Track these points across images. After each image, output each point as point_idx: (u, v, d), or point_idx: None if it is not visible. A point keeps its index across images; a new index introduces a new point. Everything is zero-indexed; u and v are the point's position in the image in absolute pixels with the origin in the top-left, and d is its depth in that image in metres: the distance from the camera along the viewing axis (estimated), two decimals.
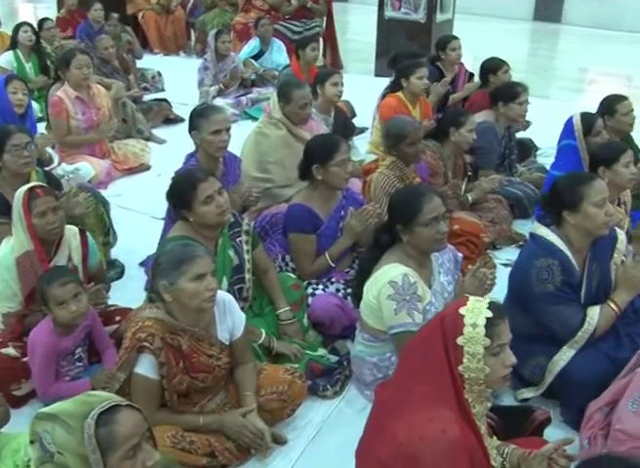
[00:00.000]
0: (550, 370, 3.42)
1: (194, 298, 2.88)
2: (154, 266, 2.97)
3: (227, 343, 3.15)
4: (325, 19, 10.30)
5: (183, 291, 2.87)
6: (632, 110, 5.12)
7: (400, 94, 5.99)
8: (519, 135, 6.19)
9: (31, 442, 1.96)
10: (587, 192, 3.33)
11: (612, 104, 5.12)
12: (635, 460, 1.78)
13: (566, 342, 3.40)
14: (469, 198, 5.08)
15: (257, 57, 8.76)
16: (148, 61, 9.76)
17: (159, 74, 9.16)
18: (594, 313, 3.38)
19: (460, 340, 2.30)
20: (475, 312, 2.32)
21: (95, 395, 2.08)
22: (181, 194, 3.50)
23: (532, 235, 3.55)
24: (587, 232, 3.38)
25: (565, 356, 3.39)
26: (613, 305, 3.40)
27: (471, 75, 7.10)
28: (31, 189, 3.56)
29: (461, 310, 2.34)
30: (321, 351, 3.81)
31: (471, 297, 2.42)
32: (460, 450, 2.23)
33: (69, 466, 1.89)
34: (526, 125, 5.94)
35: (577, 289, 3.41)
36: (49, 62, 8.07)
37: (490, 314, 2.31)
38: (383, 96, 6.25)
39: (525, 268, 3.42)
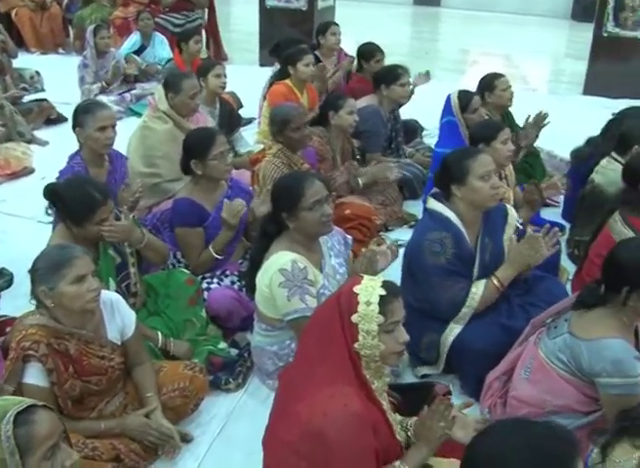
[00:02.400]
0: (443, 346, 3.51)
1: (76, 301, 2.81)
2: (32, 272, 2.87)
3: (119, 343, 3.09)
4: (206, 10, 10.20)
5: (64, 294, 2.79)
6: (510, 86, 5.34)
7: (288, 81, 6.01)
8: (404, 116, 6.29)
9: None
10: (472, 166, 3.43)
11: (490, 81, 5.33)
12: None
13: (450, 318, 3.49)
14: (360, 182, 5.14)
15: (138, 51, 8.61)
16: (25, 61, 9.39)
17: (37, 73, 8.83)
18: (478, 288, 3.47)
19: (354, 318, 2.34)
20: (369, 290, 2.36)
21: (7, 398, 2.06)
22: (77, 213, 3.36)
23: (426, 210, 3.62)
24: (475, 205, 3.48)
25: (452, 332, 3.49)
26: (496, 281, 3.49)
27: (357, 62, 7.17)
28: None
29: (356, 289, 2.38)
30: (222, 345, 3.79)
31: (366, 276, 2.46)
32: (363, 422, 2.27)
33: None
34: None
35: (468, 263, 3.50)
36: None
37: (383, 292, 2.36)
38: (270, 84, 6.25)
39: (418, 241, 3.50)
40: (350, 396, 2.30)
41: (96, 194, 3.38)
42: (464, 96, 4.98)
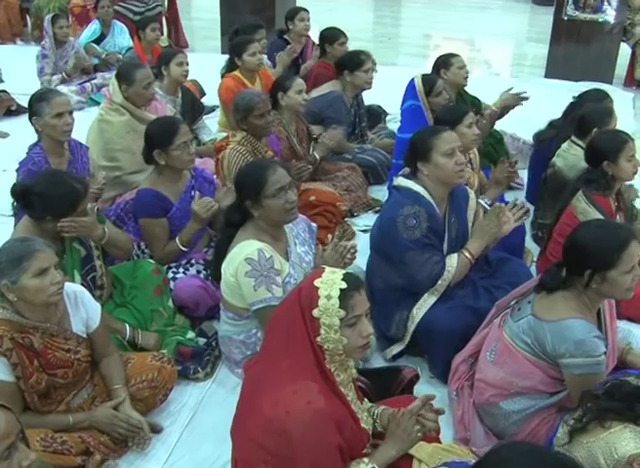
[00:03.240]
0: (412, 319, 3.53)
1: (39, 294, 2.78)
2: None
3: (85, 336, 3.07)
4: None
5: (27, 288, 2.76)
6: (465, 66, 5.46)
7: (237, 72, 5.98)
8: (368, 101, 6.30)
9: None
10: (436, 143, 3.49)
11: (447, 59, 5.45)
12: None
13: (425, 291, 3.52)
14: (317, 156, 5.13)
15: (98, 40, 8.46)
16: None
17: None
18: (453, 261, 3.53)
19: (315, 312, 2.31)
20: (329, 284, 2.32)
21: None
22: (60, 208, 3.32)
23: (395, 187, 3.64)
24: (441, 181, 3.52)
25: (426, 303, 3.52)
26: (467, 254, 3.56)
27: (319, 46, 7.15)
28: None
29: (316, 282, 2.34)
30: (190, 334, 3.78)
31: (327, 269, 2.42)
32: (327, 420, 2.26)
33: None
34: None
35: (440, 237, 3.55)
36: None
37: (344, 285, 2.31)
38: (222, 76, 6.21)
39: (391, 217, 3.51)
40: (313, 392, 2.27)
41: (78, 186, 3.38)
42: (428, 79, 5.01)
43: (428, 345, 3.55)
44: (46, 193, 3.32)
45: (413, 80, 5.03)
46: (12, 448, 1.92)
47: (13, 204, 3.59)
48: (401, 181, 3.61)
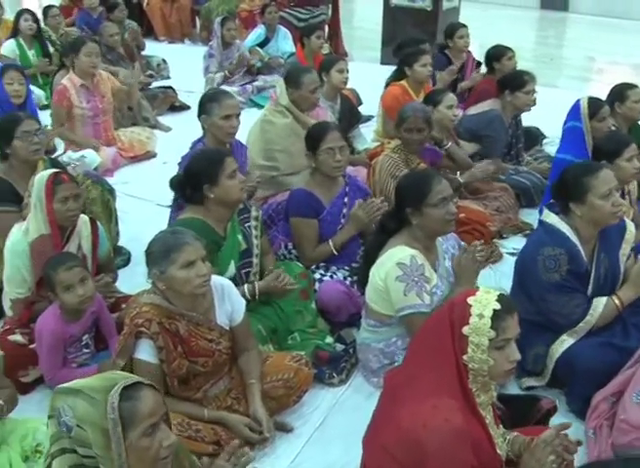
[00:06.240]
0: (550, 357, 3.41)
1: (186, 285, 2.88)
2: (147, 254, 2.96)
3: (227, 328, 3.14)
4: (331, 6, 10.25)
5: (174, 278, 2.87)
6: None
7: (404, 82, 5.99)
8: (526, 123, 6.17)
9: (50, 417, 1.95)
10: (593, 184, 3.28)
11: (623, 91, 5.14)
12: None
13: (565, 331, 3.40)
14: (460, 180, 5.04)
15: (262, 44, 8.74)
16: (153, 49, 9.72)
17: (164, 61, 9.12)
18: (598, 305, 3.36)
19: (465, 330, 2.29)
20: (483, 303, 2.31)
21: (118, 373, 2.11)
22: (208, 168, 3.48)
23: (541, 222, 3.53)
24: (595, 222, 3.36)
25: (564, 344, 3.38)
26: (617, 301, 3.38)
27: (479, 63, 7.08)
28: (56, 174, 3.57)
29: (470, 300, 2.33)
30: (329, 339, 3.81)
31: (482, 288, 2.40)
32: (463, 440, 2.22)
33: (88, 441, 1.88)
34: None
35: (583, 278, 3.38)
36: (53, 50, 8.05)
37: (497, 306, 2.29)
38: (387, 84, 6.25)
39: (532, 256, 3.40)
40: (453, 410, 2.25)
41: (218, 149, 3.69)
42: (594, 103, 4.80)
43: (568, 380, 3.40)
44: (192, 165, 3.57)
45: (578, 101, 4.86)
46: (155, 427, 1.98)
47: (175, 199, 3.75)
48: (548, 216, 3.46)
